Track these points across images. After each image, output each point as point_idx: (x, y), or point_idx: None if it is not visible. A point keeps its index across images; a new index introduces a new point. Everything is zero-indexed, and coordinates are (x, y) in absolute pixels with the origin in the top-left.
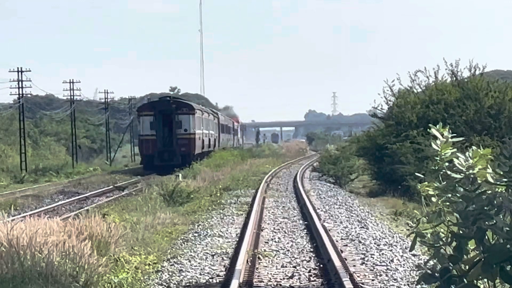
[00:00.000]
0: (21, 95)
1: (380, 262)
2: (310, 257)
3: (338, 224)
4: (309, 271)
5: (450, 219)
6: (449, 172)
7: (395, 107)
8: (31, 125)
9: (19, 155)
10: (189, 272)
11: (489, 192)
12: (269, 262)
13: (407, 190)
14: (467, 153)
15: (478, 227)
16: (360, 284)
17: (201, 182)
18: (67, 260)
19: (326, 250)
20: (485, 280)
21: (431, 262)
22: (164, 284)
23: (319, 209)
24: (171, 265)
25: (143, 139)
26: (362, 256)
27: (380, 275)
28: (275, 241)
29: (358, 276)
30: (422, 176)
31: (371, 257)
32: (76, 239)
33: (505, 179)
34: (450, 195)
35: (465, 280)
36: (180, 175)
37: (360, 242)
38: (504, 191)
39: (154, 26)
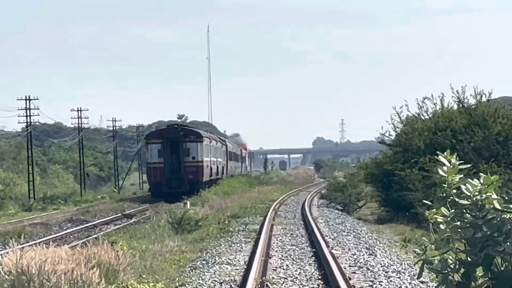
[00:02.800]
0: (29, 123)
1: None
2: (318, 285)
3: (346, 251)
4: None
5: (458, 246)
6: (456, 199)
7: (403, 134)
8: (39, 153)
9: (27, 183)
10: None
11: (497, 219)
12: None
13: (415, 217)
14: (475, 180)
15: (486, 254)
16: None
17: (209, 210)
18: None
19: (334, 278)
20: None
21: None
22: None
23: (327, 236)
24: None
25: (151, 167)
26: (370, 283)
27: None
28: (283, 269)
29: None
30: (430, 203)
31: (380, 284)
32: (84, 267)
33: None
34: (458, 222)
35: None
36: (188, 202)
37: (368, 269)
38: None
39: (162, 54)
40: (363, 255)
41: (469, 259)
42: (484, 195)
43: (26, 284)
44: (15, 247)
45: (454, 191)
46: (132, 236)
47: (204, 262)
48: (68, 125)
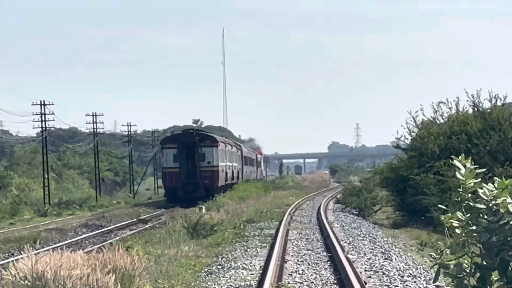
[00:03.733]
0: (44, 128)
1: None
2: None
3: (362, 256)
4: None
5: (473, 250)
6: (472, 203)
7: (418, 138)
8: (54, 158)
9: (43, 189)
10: None
11: None
12: None
13: (431, 221)
14: (490, 184)
15: (502, 258)
16: None
17: (225, 215)
18: None
19: (350, 282)
20: None
21: None
22: None
23: (342, 240)
24: None
25: (167, 172)
26: (386, 287)
27: None
28: (299, 273)
29: None
30: (445, 207)
31: None
32: (100, 272)
33: None
34: (473, 227)
35: None
36: (203, 207)
37: (384, 273)
38: None
39: (177, 58)
40: (379, 259)
41: (484, 263)
42: (499, 200)
43: None
44: (31, 253)
45: (470, 195)
46: (147, 241)
47: (220, 267)
48: (83, 130)
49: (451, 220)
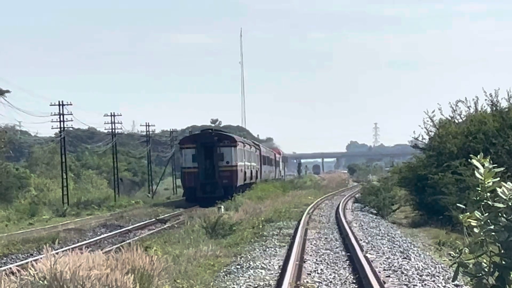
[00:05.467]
0: (62, 129)
1: None
2: None
3: (380, 255)
4: None
5: (492, 249)
6: (490, 202)
7: (436, 137)
8: (72, 158)
9: (61, 189)
10: None
11: None
12: None
13: (449, 221)
14: (509, 183)
15: None
16: None
17: (243, 214)
18: None
19: (369, 281)
20: None
21: None
22: None
23: (361, 240)
24: None
25: (186, 172)
26: (405, 287)
27: None
28: (318, 273)
29: None
30: (463, 206)
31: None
32: (118, 272)
33: None
34: (492, 226)
35: None
36: (222, 207)
37: (402, 273)
38: None
39: (195, 58)
40: (397, 258)
41: (503, 262)
42: None
43: None
44: (49, 253)
45: (488, 194)
46: (166, 241)
47: (239, 266)
48: (102, 130)
49: (469, 219)
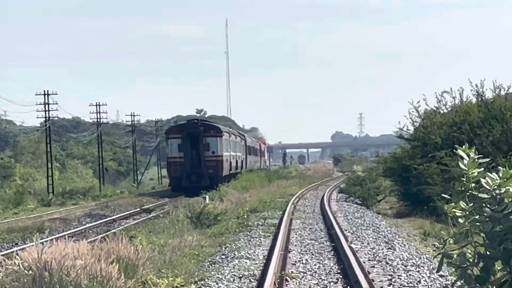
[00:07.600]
0: (47, 118)
1: (407, 283)
2: (337, 279)
3: (365, 245)
4: None
5: (477, 240)
6: (475, 193)
7: (421, 128)
8: (58, 148)
9: (46, 178)
10: None
11: None
12: (296, 283)
13: (434, 211)
14: (494, 173)
15: (505, 247)
16: None
17: (228, 204)
18: (95, 283)
19: (353, 272)
20: None
21: (458, 283)
22: None
23: (346, 230)
24: (199, 287)
25: (171, 161)
26: (389, 277)
27: None
28: (302, 263)
29: None
30: (448, 197)
31: (399, 278)
32: (103, 262)
33: None
34: (477, 216)
35: None
36: (207, 197)
37: (387, 263)
38: None
39: (180, 48)
40: (382, 249)
41: (488, 253)
42: (503, 189)
43: (46, 279)
44: (37, 241)
45: (473, 184)
46: (151, 230)
47: (224, 256)
48: (87, 120)
49: (454, 210)
